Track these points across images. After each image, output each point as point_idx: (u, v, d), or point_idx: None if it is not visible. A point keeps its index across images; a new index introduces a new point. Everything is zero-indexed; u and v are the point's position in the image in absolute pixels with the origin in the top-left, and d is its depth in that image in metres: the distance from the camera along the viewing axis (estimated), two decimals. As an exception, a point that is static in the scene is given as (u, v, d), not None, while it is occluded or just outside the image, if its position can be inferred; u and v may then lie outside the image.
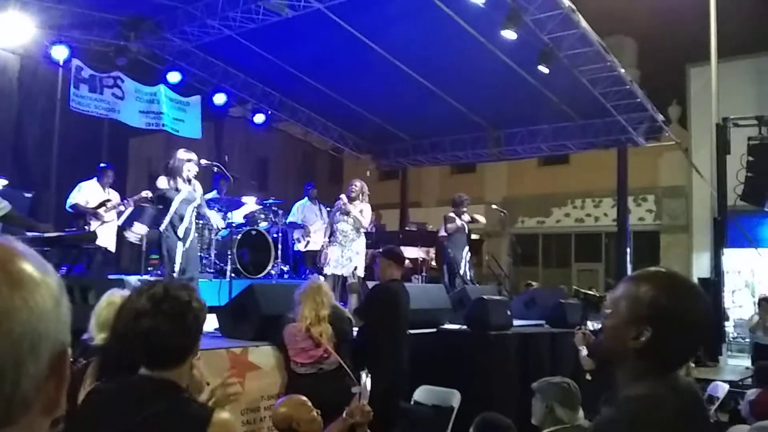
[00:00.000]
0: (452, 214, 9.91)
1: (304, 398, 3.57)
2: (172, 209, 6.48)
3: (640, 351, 1.51)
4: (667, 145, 14.18)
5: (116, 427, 1.81)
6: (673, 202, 17.86)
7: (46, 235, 6.02)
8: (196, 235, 7.02)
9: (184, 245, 6.49)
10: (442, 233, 9.99)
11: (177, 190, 6.57)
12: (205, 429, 1.80)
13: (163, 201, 6.55)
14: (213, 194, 8.98)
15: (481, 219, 10.27)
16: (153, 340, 1.85)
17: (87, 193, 8.07)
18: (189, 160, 6.62)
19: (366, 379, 3.75)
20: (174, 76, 10.99)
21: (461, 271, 9.71)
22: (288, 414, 3.54)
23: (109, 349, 2.56)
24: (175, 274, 6.31)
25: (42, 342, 0.69)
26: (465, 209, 10.01)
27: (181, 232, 6.52)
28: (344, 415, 3.95)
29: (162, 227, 6.50)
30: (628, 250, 13.12)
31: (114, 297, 3.50)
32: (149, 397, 1.84)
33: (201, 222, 7.76)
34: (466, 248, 9.93)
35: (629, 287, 1.59)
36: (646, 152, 14.16)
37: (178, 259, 6.43)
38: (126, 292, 3.58)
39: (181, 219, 6.54)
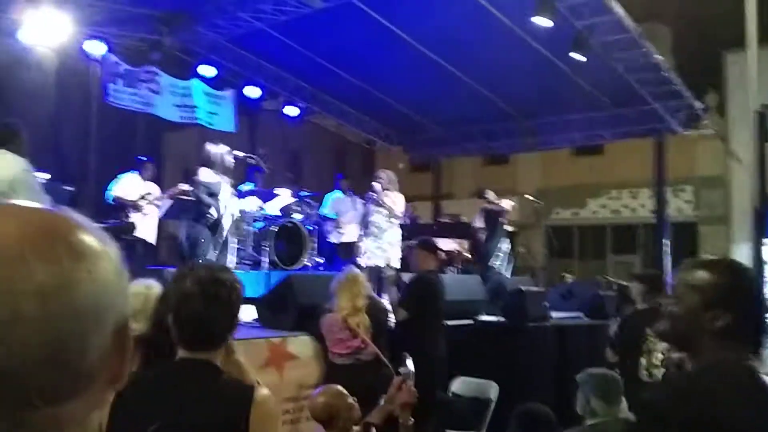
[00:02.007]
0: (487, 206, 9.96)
1: (341, 388, 3.57)
2: (220, 203, 6.46)
3: (716, 334, 1.65)
4: (704, 134, 13.91)
5: (162, 411, 1.83)
6: (711, 192, 17.53)
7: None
8: (234, 228, 7.02)
9: (222, 238, 6.49)
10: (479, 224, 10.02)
11: (220, 183, 6.55)
12: (250, 406, 1.84)
13: (208, 194, 6.51)
14: (250, 186, 9.04)
15: (506, 204, 10.24)
16: (201, 323, 1.89)
17: (127, 185, 8.19)
18: (227, 152, 6.61)
19: (409, 361, 3.74)
20: (208, 70, 11.07)
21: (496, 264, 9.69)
22: (327, 403, 3.55)
23: (148, 337, 2.57)
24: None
25: (106, 314, 0.69)
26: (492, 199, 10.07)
27: (224, 225, 6.52)
28: (383, 402, 3.94)
29: (206, 221, 6.47)
30: (667, 242, 12.91)
31: (138, 287, 3.51)
32: (192, 379, 1.87)
33: (238, 214, 7.80)
34: (506, 241, 9.94)
35: (694, 275, 1.72)
36: (683, 142, 13.91)
37: (214, 253, 6.44)
38: (151, 282, 3.60)
39: (222, 212, 6.54)
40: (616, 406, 3.85)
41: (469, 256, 11.75)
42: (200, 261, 6.65)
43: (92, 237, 0.70)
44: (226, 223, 6.62)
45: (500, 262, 9.75)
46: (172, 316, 1.93)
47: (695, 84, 13.13)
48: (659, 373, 5.04)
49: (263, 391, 1.90)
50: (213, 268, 1.98)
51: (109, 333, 0.70)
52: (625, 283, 7.21)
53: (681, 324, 1.71)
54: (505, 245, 9.92)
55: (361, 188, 8.78)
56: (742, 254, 14.69)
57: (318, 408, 3.56)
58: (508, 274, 9.81)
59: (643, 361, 5.09)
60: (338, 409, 3.56)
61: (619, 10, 8.87)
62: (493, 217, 9.85)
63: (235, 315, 1.98)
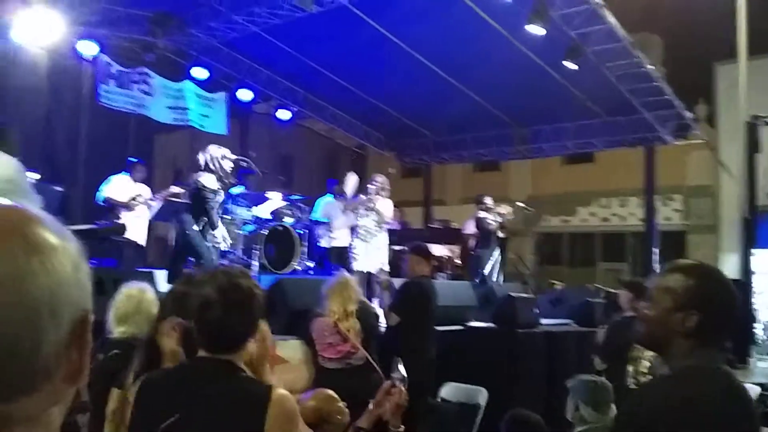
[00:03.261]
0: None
1: (332, 392, 3.58)
2: (214, 209, 6.38)
3: (686, 334, 1.68)
4: (694, 144, 14.01)
5: (180, 405, 1.85)
6: (700, 201, 17.62)
7: (78, 227, 6.06)
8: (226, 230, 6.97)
9: (215, 243, 6.43)
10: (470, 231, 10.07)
11: (218, 191, 6.46)
12: (266, 405, 1.85)
13: (203, 199, 6.41)
14: (241, 189, 9.01)
15: (504, 210, 10.33)
16: (222, 330, 1.92)
17: (118, 187, 8.15)
18: (225, 157, 6.53)
19: (401, 366, 3.74)
20: (200, 72, 11.06)
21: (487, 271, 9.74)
22: (317, 407, 3.55)
23: (152, 338, 2.57)
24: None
25: (62, 307, 0.68)
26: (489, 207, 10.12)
27: (217, 232, 6.46)
28: (371, 406, 3.94)
29: (198, 227, 6.40)
30: (655, 250, 12.98)
31: (132, 290, 3.50)
32: (209, 377, 1.90)
33: (229, 217, 7.77)
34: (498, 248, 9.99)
35: (667, 278, 1.76)
36: (673, 151, 13.99)
37: (211, 257, 6.38)
38: (144, 285, 3.59)
39: (217, 217, 6.48)
40: (605, 414, 3.85)
41: (460, 262, 11.77)
42: (199, 264, 6.62)
43: (49, 231, 0.70)
44: (219, 225, 6.57)
45: (492, 268, 9.81)
46: (194, 322, 1.98)
47: (686, 94, 13.21)
48: (647, 380, 5.05)
49: (281, 391, 1.92)
50: (232, 274, 2.00)
51: (66, 327, 0.69)
52: (613, 290, 7.25)
53: (653, 326, 1.75)
54: (497, 252, 9.98)
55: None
56: (730, 264, 14.78)
57: (308, 411, 3.56)
58: (500, 281, 9.85)
59: (630, 368, 5.11)
60: (329, 413, 3.56)
61: (611, 19, 8.93)
62: (487, 224, 9.91)
63: (255, 320, 2.01)
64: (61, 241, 0.71)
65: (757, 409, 1.88)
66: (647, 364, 5.08)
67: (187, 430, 1.82)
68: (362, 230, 7.89)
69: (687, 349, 1.68)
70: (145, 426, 1.90)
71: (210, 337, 1.96)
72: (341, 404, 3.55)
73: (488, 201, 10.20)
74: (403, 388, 3.71)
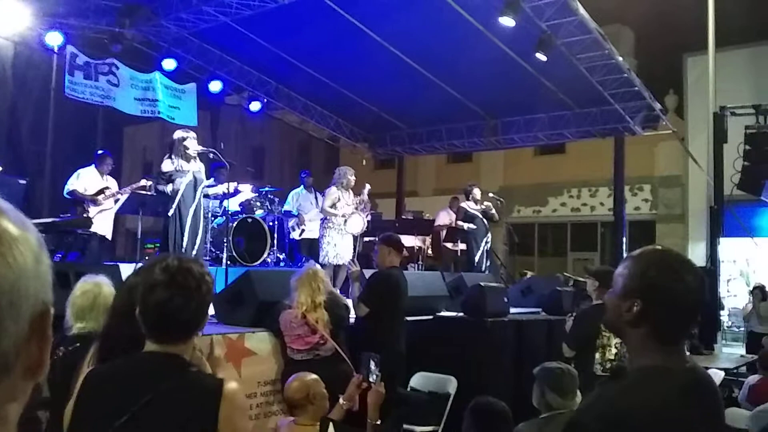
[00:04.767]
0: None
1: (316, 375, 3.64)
2: (179, 193, 6.38)
3: (632, 323, 1.63)
4: (663, 135, 14.17)
5: (127, 404, 1.80)
6: (669, 191, 17.88)
7: (40, 221, 5.98)
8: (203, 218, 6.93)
9: (191, 230, 6.40)
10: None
11: (183, 171, 6.47)
12: (218, 400, 1.83)
13: (170, 183, 6.43)
14: (210, 182, 8.96)
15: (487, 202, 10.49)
16: (167, 311, 1.85)
17: (85, 179, 8.04)
18: (186, 138, 6.54)
19: (374, 363, 3.78)
20: (169, 63, 10.94)
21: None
22: (306, 385, 3.59)
23: (108, 331, 2.53)
24: None
25: (22, 300, 0.67)
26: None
27: (189, 217, 6.42)
28: (341, 401, 3.96)
29: (170, 212, 6.39)
30: (624, 239, 13.14)
31: (87, 285, 3.46)
32: (159, 372, 1.84)
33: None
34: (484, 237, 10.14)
35: (625, 264, 1.71)
36: (643, 142, 14.16)
37: (184, 247, 6.34)
38: (101, 279, 3.54)
39: (191, 202, 6.45)
40: (570, 400, 3.90)
41: (431, 252, 11.82)
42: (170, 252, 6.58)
43: (9, 222, 0.68)
44: (198, 215, 6.53)
45: (480, 257, 9.93)
46: (139, 306, 1.90)
47: (656, 85, 13.38)
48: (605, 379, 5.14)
49: (232, 385, 1.88)
50: (183, 259, 1.94)
51: (26, 320, 0.68)
52: (581, 279, 7.34)
53: (609, 313, 1.72)
54: (485, 241, 10.09)
55: (323, 185, 8.79)
56: (698, 252, 15.02)
57: (295, 388, 3.60)
58: (486, 270, 9.95)
59: (597, 355, 5.18)
60: (314, 394, 3.60)
61: (582, 11, 8.98)
62: (478, 215, 10.04)
63: (203, 308, 1.93)
64: (21, 232, 0.69)
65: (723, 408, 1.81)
66: (614, 351, 5.17)
67: (140, 428, 1.78)
68: (336, 221, 7.95)
69: (640, 343, 1.63)
70: (93, 423, 1.84)
71: (154, 324, 1.88)
72: (324, 388, 3.62)
73: (476, 192, 10.32)
74: (381, 389, 3.75)
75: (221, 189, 7.42)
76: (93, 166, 8.23)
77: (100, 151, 8.46)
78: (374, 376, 3.81)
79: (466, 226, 10.05)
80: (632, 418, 1.49)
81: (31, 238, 0.70)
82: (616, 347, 5.16)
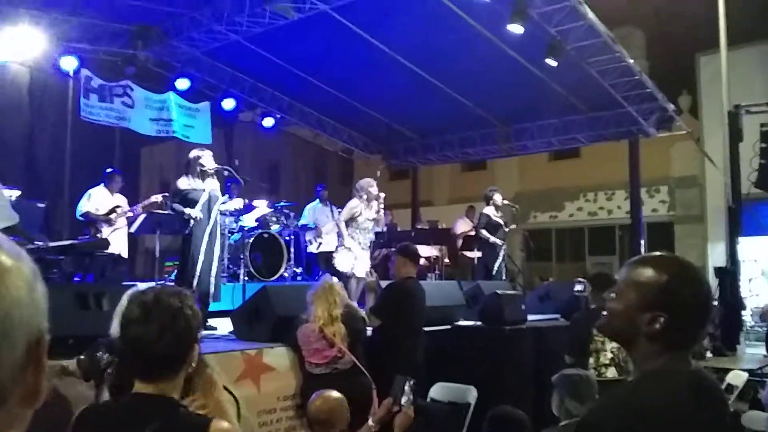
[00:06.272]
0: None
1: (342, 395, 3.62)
2: (196, 211, 6.42)
3: (652, 336, 1.54)
4: (678, 135, 14.08)
5: None
6: (686, 192, 17.73)
7: (58, 244, 6.04)
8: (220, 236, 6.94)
9: (208, 247, 6.42)
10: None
11: (198, 189, 6.51)
12: None
13: (186, 202, 6.48)
14: (225, 199, 9.02)
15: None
16: (141, 347, 1.80)
17: (96, 199, 8.11)
18: (201, 156, 6.58)
19: (407, 387, 3.76)
20: (183, 83, 11.05)
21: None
22: (329, 406, 3.57)
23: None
24: (195, 279, 6.26)
25: (16, 329, 0.68)
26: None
27: (206, 235, 6.46)
28: (370, 422, 3.96)
29: (187, 231, 6.42)
30: (642, 242, 13.05)
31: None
32: (147, 415, 1.79)
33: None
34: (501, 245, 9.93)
35: (637, 272, 1.60)
36: (658, 143, 14.06)
37: (200, 265, 6.36)
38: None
39: (207, 220, 6.49)
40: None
41: (449, 261, 11.81)
42: (178, 276, 6.62)
43: (2, 252, 0.70)
44: (215, 233, 6.56)
45: (499, 266, 9.73)
46: (119, 344, 1.90)
47: (669, 86, 13.30)
48: (609, 372, 5.11)
49: (220, 425, 1.82)
50: (161, 291, 1.88)
51: (22, 349, 0.69)
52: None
53: (617, 321, 1.61)
54: (503, 249, 9.88)
55: (339, 197, 8.81)
56: (717, 252, 14.88)
57: (316, 407, 3.58)
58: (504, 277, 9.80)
59: (591, 360, 5.15)
60: (338, 415, 3.59)
61: (591, 15, 8.97)
62: (495, 221, 9.83)
63: (183, 341, 1.83)
64: (15, 262, 0.70)
65: (729, 411, 1.76)
66: (609, 355, 5.13)
67: None
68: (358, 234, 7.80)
69: (652, 353, 1.55)
70: None
71: (133, 362, 1.84)
72: (347, 407, 3.59)
73: (497, 198, 9.96)
74: (411, 413, 3.75)
75: (233, 205, 7.44)
76: (102, 185, 8.29)
77: (109, 170, 8.52)
78: (406, 399, 3.81)
79: (491, 239, 9.69)
80: (645, 416, 1.46)
81: (25, 267, 0.71)
82: (612, 351, 5.12)
